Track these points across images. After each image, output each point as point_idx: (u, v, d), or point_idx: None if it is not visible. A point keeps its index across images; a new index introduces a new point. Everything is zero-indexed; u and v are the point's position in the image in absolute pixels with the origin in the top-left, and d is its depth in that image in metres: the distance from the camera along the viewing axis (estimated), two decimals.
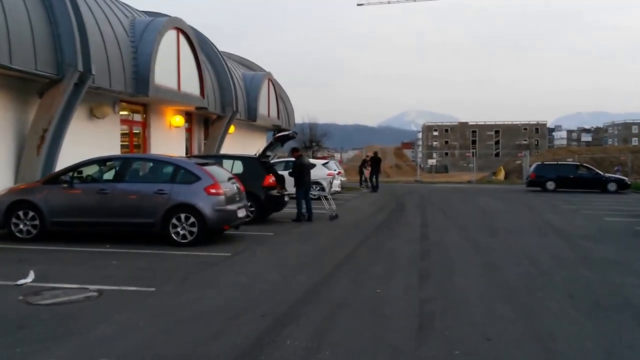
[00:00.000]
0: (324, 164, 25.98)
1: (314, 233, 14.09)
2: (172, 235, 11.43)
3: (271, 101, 32.56)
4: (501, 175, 58.98)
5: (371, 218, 17.78)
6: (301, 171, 16.61)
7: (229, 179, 12.72)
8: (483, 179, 55.49)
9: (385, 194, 29.63)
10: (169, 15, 20.89)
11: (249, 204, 14.96)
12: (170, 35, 20.26)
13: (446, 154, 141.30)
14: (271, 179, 15.52)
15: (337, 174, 25.57)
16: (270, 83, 32.43)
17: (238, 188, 12.77)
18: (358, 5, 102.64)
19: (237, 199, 12.47)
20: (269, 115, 32.08)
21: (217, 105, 25.44)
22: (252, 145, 29.27)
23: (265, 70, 33.48)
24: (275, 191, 15.77)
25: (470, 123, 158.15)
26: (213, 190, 11.57)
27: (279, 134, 16.97)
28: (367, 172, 34.89)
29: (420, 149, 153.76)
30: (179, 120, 23.08)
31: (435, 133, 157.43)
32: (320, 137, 71.37)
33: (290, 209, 16.75)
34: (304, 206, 16.53)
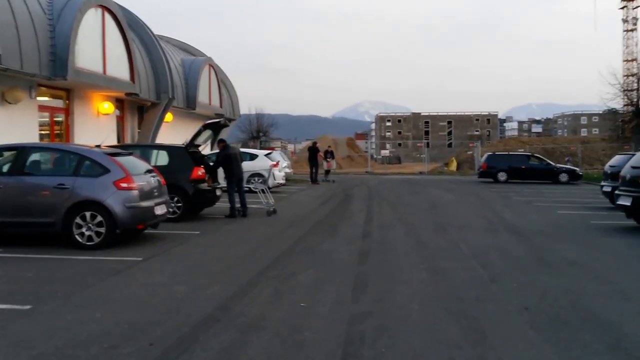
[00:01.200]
0: (266, 155, 24.56)
1: (246, 231, 12.74)
2: (76, 236, 9.93)
3: (213, 88, 30.95)
4: (453, 166, 58.55)
5: (313, 213, 16.52)
6: (227, 163, 15.19)
7: (147, 171, 11.26)
8: (435, 170, 54.89)
9: (332, 186, 28.46)
10: None
11: (175, 199, 13.59)
12: (94, 14, 18.57)
13: (399, 144, 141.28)
14: (200, 171, 14.08)
15: (275, 165, 24.07)
16: (212, 69, 30.80)
17: (158, 181, 11.32)
18: None
19: (156, 194, 11.03)
20: (210, 103, 30.47)
21: (151, 92, 23.77)
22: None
23: (206, 55, 31.83)
24: (206, 184, 14.34)
25: (423, 114, 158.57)
26: (124, 185, 10.11)
27: (208, 121, 15.49)
28: (328, 164, 33.61)
29: (374, 139, 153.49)
30: (107, 107, 21.38)
31: (389, 123, 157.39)
32: (267, 127, 69.29)
33: (226, 204, 15.33)
34: (238, 200, 15.20)
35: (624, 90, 39.07)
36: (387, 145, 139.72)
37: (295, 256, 9.73)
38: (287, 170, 30.01)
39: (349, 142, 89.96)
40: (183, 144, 14.94)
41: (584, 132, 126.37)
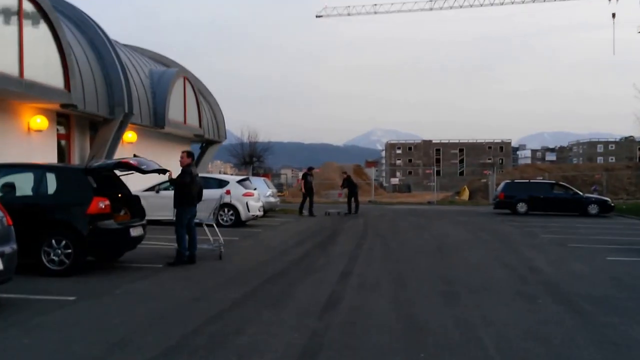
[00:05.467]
0: (239, 181, 20.26)
1: (148, 297, 8.29)
2: None
3: (189, 105, 26.87)
4: (465, 195, 54.29)
5: (274, 260, 12.15)
6: (184, 188, 11.15)
7: None
8: (445, 200, 50.47)
9: (324, 220, 24.12)
10: None
11: (63, 243, 9.40)
12: (7, 3, 14.60)
13: (410, 172, 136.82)
14: (103, 203, 9.80)
15: (249, 194, 19.74)
16: (187, 82, 26.72)
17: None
18: (317, 17, 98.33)
19: None
20: (185, 122, 26.37)
21: (102, 105, 19.72)
22: (169, 159, 23.32)
23: (180, 66, 27.79)
24: (112, 222, 10.06)
25: (434, 141, 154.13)
26: None
27: (124, 159, 11.08)
28: (339, 194, 28.75)
29: (384, 167, 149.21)
30: (40, 121, 17.39)
31: (399, 151, 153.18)
32: (261, 152, 64.02)
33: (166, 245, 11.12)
34: (187, 240, 11.10)
35: None
36: (397, 173, 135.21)
37: (193, 354, 5.42)
38: (272, 199, 25.80)
39: (356, 170, 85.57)
40: (85, 166, 10.71)
41: (599, 160, 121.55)
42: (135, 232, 10.47)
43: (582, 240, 17.00)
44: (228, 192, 17.29)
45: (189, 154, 11.54)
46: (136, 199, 11.08)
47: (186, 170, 11.31)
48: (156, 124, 23.83)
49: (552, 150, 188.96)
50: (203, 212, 12.45)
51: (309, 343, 5.98)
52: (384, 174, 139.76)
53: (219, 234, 12.10)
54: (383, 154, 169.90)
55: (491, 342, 6.12)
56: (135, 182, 19.38)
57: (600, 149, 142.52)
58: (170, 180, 11.45)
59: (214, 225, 12.21)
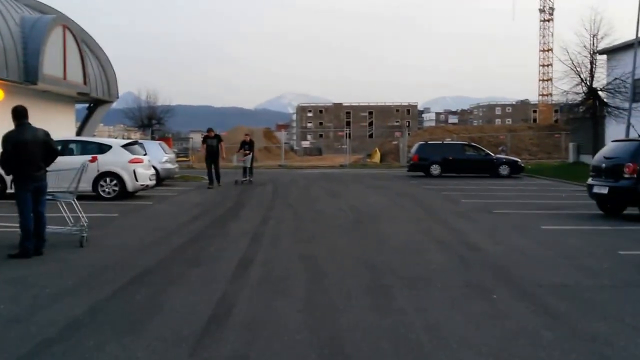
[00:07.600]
0: (125, 146, 17.22)
1: None
2: None
3: (71, 59, 23.31)
4: (377, 157, 53.02)
5: (155, 244, 9.54)
6: (18, 155, 8.26)
7: None
8: (358, 162, 48.89)
9: (230, 187, 21.54)
10: None
11: None
12: None
13: (320, 135, 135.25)
14: None
15: (137, 160, 16.87)
16: (68, 32, 23.10)
17: None
18: None
19: None
20: (65, 78, 22.85)
21: None
22: (47, 122, 19.65)
23: (60, 13, 24.04)
24: None
25: (344, 104, 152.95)
26: None
27: None
28: (240, 159, 25.08)
29: (295, 130, 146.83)
30: None
31: (310, 114, 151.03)
32: (162, 114, 58.05)
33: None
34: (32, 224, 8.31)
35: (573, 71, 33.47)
36: (308, 136, 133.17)
37: None
38: (170, 165, 22.94)
39: (266, 133, 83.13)
40: None
41: (497, 122, 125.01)
42: None
43: (505, 205, 15.69)
44: (93, 160, 14.18)
45: (15, 111, 8.57)
46: None
47: (8, 135, 8.41)
48: (27, 79, 20.32)
49: (454, 113, 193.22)
50: (61, 184, 9.66)
51: None
52: (294, 137, 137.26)
53: (81, 213, 9.37)
54: (294, 117, 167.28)
55: None
56: None
57: (498, 111, 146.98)
58: None
59: (74, 201, 9.42)
